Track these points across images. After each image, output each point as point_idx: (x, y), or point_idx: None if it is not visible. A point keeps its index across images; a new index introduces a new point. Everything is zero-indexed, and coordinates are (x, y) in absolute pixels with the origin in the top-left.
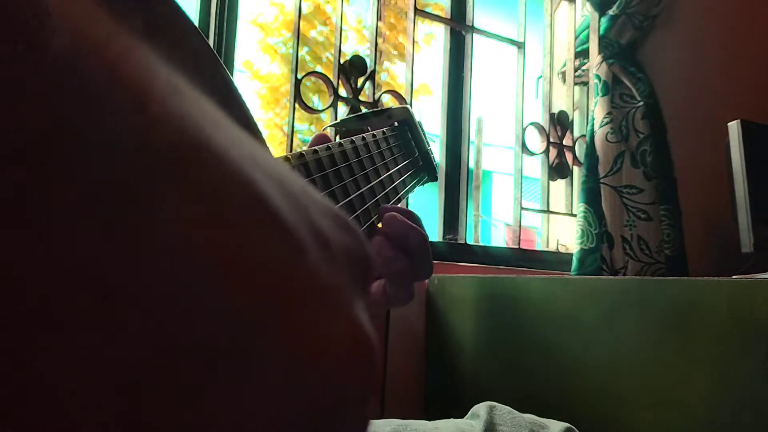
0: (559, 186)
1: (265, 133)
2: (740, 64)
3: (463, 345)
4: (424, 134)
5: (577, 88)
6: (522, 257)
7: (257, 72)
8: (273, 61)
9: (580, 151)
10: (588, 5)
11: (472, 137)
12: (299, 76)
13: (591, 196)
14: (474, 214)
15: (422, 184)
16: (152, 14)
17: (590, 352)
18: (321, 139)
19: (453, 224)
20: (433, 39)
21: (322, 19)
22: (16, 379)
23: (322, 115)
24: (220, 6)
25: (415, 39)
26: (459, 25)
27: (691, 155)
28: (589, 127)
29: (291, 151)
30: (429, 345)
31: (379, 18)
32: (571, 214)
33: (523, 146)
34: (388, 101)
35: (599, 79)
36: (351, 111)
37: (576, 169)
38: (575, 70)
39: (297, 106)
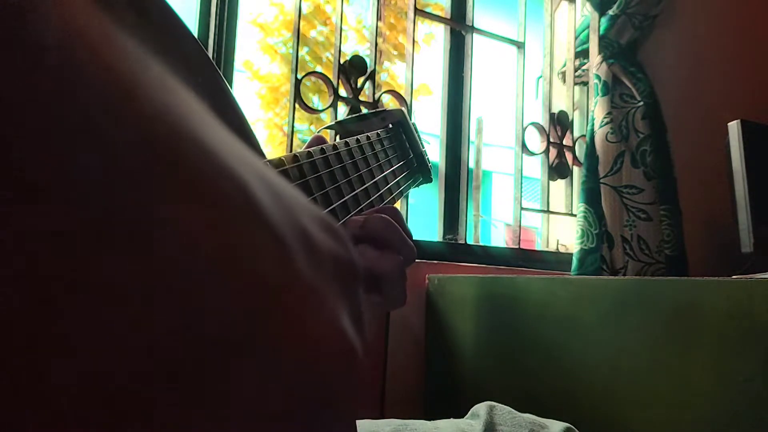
0: (559, 186)
1: (265, 133)
2: (740, 64)
3: (463, 345)
4: (418, 136)
5: (577, 88)
6: (522, 257)
7: (257, 72)
8: (273, 61)
9: (580, 151)
10: (588, 5)
11: (472, 137)
12: (299, 76)
13: (591, 196)
14: (474, 214)
15: (417, 186)
16: (146, 18)
17: (590, 352)
18: (317, 140)
19: (453, 224)
20: (433, 39)
21: (322, 19)
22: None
23: (322, 115)
24: (220, 6)
25: (415, 39)
26: (459, 25)
27: (691, 155)
28: (589, 127)
29: (291, 151)
30: (429, 345)
31: (379, 18)
32: (571, 214)
33: (523, 146)
34: (388, 101)
35: (599, 79)
36: (351, 111)
37: (576, 169)
38: (575, 70)
39: (297, 106)
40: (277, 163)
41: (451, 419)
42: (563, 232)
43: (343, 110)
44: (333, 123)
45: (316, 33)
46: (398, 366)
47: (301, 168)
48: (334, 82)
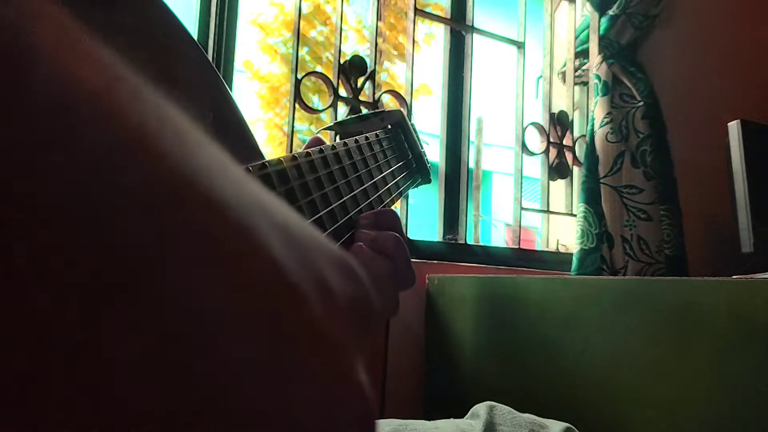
0: (559, 186)
1: (265, 133)
2: (740, 64)
3: (463, 345)
4: (417, 137)
5: (577, 88)
6: (522, 257)
7: (257, 72)
8: (273, 61)
9: (580, 151)
10: (588, 5)
11: (472, 137)
12: (299, 76)
13: (591, 196)
14: (474, 214)
15: (416, 187)
16: (142, 22)
17: (590, 352)
18: (316, 141)
19: (453, 224)
20: (433, 39)
21: (322, 19)
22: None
23: (322, 115)
24: (220, 6)
25: (415, 39)
26: (459, 25)
27: (691, 155)
28: (589, 127)
29: (290, 151)
30: (429, 345)
31: (379, 18)
32: (571, 214)
33: (523, 146)
34: (388, 101)
35: (599, 79)
36: (351, 111)
37: (576, 169)
38: (575, 70)
39: (297, 106)
40: (276, 164)
41: (451, 419)
42: (563, 232)
43: (343, 110)
44: (332, 124)
45: (316, 33)
46: (398, 366)
47: (300, 169)
48: (334, 82)
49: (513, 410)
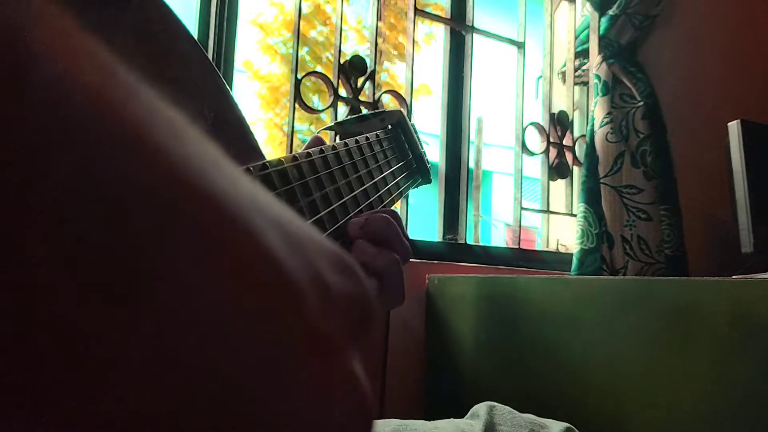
0: (559, 186)
1: (265, 133)
2: (740, 64)
3: (463, 345)
4: (417, 137)
5: (577, 88)
6: (522, 257)
7: (257, 72)
8: (273, 61)
9: (580, 151)
10: (588, 5)
11: (472, 137)
12: (299, 76)
13: (591, 196)
14: (474, 214)
15: (416, 187)
16: (143, 21)
17: (590, 352)
18: (316, 141)
19: (453, 224)
20: (433, 39)
21: (322, 19)
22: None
23: (322, 115)
24: (220, 6)
25: (415, 39)
26: (459, 25)
27: (691, 155)
28: (589, 127)
29: (291, 151)
30: (429, 345)
31: (379, 18)
32: (571, 214)
33: (523, 146)
34: (388, 101)
35: (599, 79)
36: (351, 111)
37: (576, 169)
38: (575, 70)
39: (297, 106)
40: (277, 164)
41: (451, 419)
42: (563, 232)
43: (343, 110)
44: (332, 124)
45: (316, 33)
46: (398, 366)
47: (300, 169)
48: (334, 82)
49: (513, 410)
